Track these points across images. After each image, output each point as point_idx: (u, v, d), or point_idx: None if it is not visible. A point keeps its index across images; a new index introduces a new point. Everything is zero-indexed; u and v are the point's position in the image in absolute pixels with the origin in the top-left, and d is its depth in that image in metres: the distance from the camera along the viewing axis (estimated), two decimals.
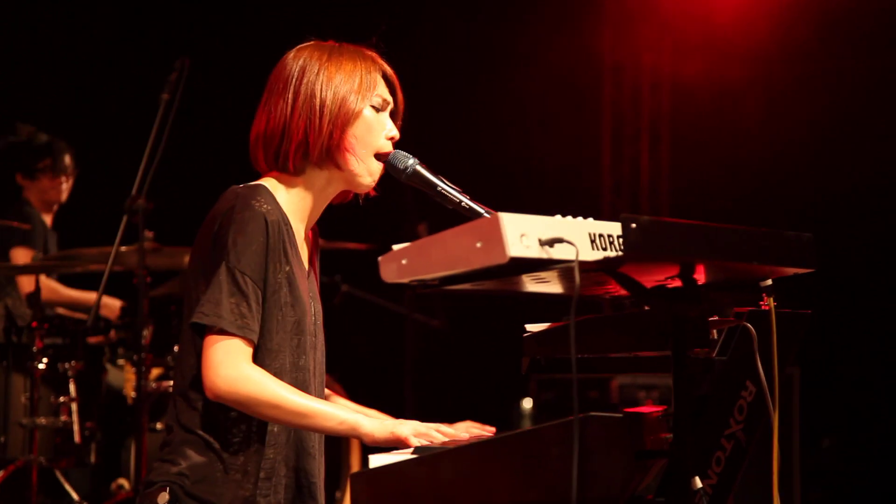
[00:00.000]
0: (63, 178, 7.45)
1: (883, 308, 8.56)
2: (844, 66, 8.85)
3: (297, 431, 3.27)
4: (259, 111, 3.34)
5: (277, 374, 3.19)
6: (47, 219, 7.47)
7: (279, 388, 3.12)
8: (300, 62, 3.30)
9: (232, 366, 3.11)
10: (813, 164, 8.83)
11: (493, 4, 9.38)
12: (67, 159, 7.45)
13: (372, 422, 3.13)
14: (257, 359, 3.18)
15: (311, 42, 3.37)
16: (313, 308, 3.34)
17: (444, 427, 3.14)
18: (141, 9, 9.09)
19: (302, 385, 3.25)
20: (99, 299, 6.37)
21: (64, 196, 7.52)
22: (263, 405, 3.12)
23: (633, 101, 9.74)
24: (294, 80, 3.28)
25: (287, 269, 3.22)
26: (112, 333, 6.77)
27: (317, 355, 3.35)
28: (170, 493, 3.18)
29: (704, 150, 9.24)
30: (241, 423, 3.20)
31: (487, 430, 3.28)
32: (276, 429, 3.22)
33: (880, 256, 8.69)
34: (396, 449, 3.06)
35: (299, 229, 3.33)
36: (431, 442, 3.06)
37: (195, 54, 6.28)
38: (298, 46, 3.36)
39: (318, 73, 3.27)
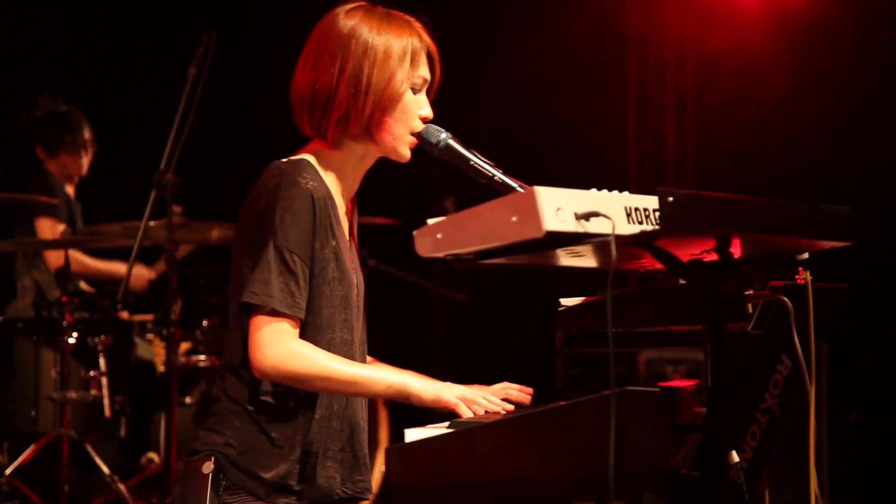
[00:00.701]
0: (83, 153, 7.47)
1: None
2: (872, 36, 8.79)
3: (349, 405, 3.30)
4: (301, 68, 3.32)
5: (327, 348, 3.21)
6: (70, 190, 7.49)
7: (326, 360, 3.15)
8: (350, 28, 3.27)
9: (278, 345, 3.13)
10: (840, 136, 8.77)
11: None
12: (87, 133, 7.46)
13: (419, 382, 3.17)
14: (306, 335, 3.20)
15: (362, 4, 3.35)
16: (357, 280, 3.36)
17: (489, 394, 3.16)
18: None
19: (349, 357, 3.26)
20: (128, 275, 6.39)
21: (84, 169, 7.53)
22: (313, 378, 3.15)
23: (658, 73, 9.69)
24: (342, 49, 3.26)
25: (333, 243, 3.23)
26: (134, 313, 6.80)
27: (360, 328, 3.38)
28: (214, 462, 3.20)
29: (730, 122, 9.19)
30: (289, 398, 3.21)
31: (526, 391, 3.29)
32: (324, 402, 3.24)
33: None
34: (432, 423, 3.07)
35: (341, 202, 3.34)
36: (475, 412, 3.08)
37: (221, 28, 6.27)
38: (348, 7, 3.33)
39: (366, 48, 3.25)
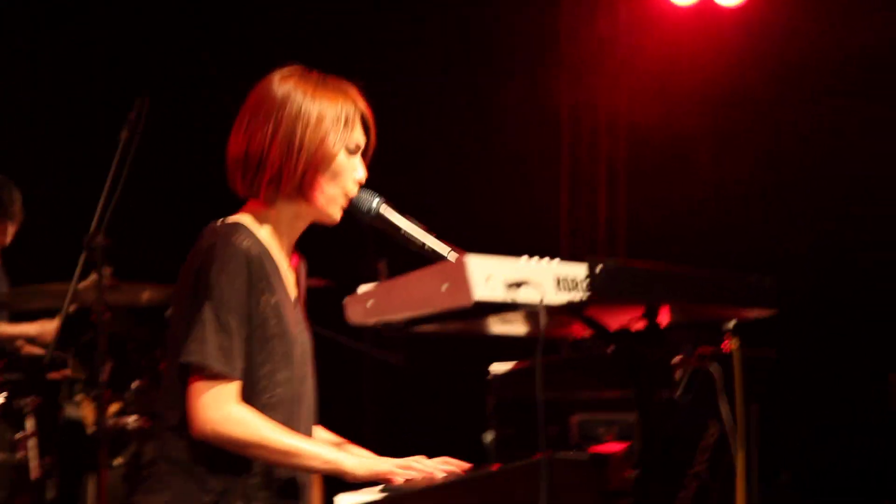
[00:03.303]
0: (9, 224, 7.37)
1: (839, 345, 8.64)
2: (796, 109, 8.94)
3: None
4: (237, 130, 3.33)
5: (269, 407, 3.20)
6: None
7: (263, 429, 3.14)
8: (284, 92, 3.29)
9: (217, 407, 3.12)
10: (764, 207, 8.92)
11: (449, 49, 9.41)
12: (17, 205, 7.36)
13: (354, 460, 3.17)
14: (247, 394, 3.19)
15: (297, 69, 3.36)
16: (301, 338, 3.35)
17: (422, 461, 3.17)
18: (100, 46, 9.07)
19: (293, 417, 3.26)
20: (57, 335, 6.32)
21: (8, 240, 7.44)
22: (249, 446, 3.14)
23: (591, 144, 9.77)
24: (276, 110, 3.28)
25: (273, 300, 3.23)
26: (68, 369, 6.71)
27: (306, 385, 3.36)
28: None
29: (661, 192, 9.29)
30: (230, 457, 3.18)
31: (462, 466, 3.26)
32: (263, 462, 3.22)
33: (831, 293, 8.78)
34: (375, 485, 3.07)
35: (281, 258, 3.34)
36: (412, 476, 3.09)
37: (154, 92, 6.27)
38: (284, 72, 3.35)
39: (300, 111, 3.27)
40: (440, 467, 3.21)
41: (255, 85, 3.37)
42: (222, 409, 3.12)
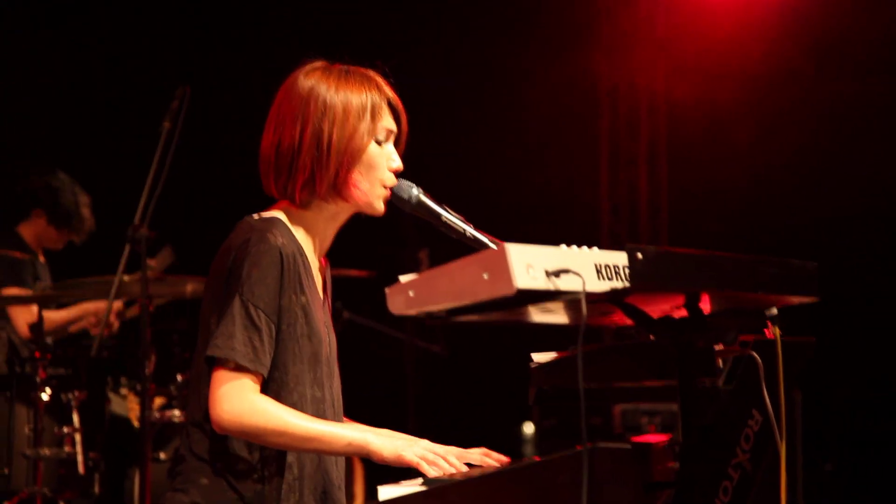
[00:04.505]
0: (71, 234, 7.45)
1: (880, 331, 8.58)
2: (836, 88, 8.89)
3: (322, 462, 3.27)
4: (267, 131, 3.33)
5: (296, 406, 3.19)
6: (39, 253, 7.46)
7: (284, 415, 3.13)
8: (308, 89, 3.29)
9: (237, 399, 3.12)
10: (809, 185, 8.86)
11: (487, 31, 9.40)
12: (79, 219, 7.43)
13: (381, 439, 3.13)
14: (273, 392, 3.18)
15: (320, 64, 3.35)
16: (329, 338, 3.35)
17: (453, 455, 3.14)
18: (142, 37, 9.11)
19: (320, 416, 3.24)
20: (102, 329, 6.36)
21: (61, 246, 7.52)
22: (269, 434, 3.12)
23: (630, 124, 9.76)
24: (302, 110, 3.27)
25: (304, 300, 3.22)
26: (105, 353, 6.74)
27: (333, 385, 3.35)
28: None
29: (701, 171, 9.26)
30: (257, 453, 3.19)
31: (501, 460, 3.24)
32: (296, 459, 3.22)
33: (872, 279, 8.72)
34: (407, 475, 3.06)
35: (313, 259, 3.34)
36: (438, 472, 3.06)
37: (196, 83, 6.30)
38: (307, 68, 3.34)
39: (325, 108, 3.26)
40: (477, 461, 3.17)
41: (282, 83, 3.36)
42: (243, 399, 3.12)
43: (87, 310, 7.24)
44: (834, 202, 8.72)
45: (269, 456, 3.20)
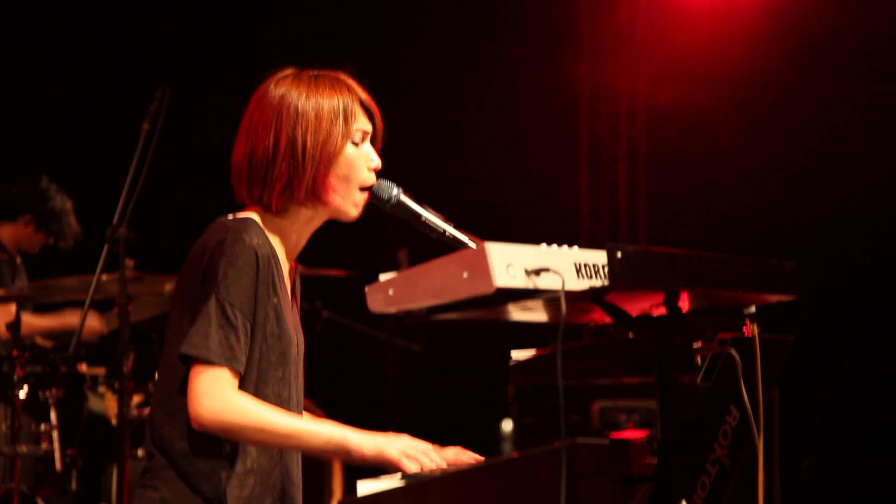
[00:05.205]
0: (49, 239, 7.44)
1: (858, 329, 8.63)
2: (816, 91, 8.93)
3: (282, 460, 3.29)
4: (239, 141, 3.33)
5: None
6: (16, 255, 7.45)
7: (264, 412, 3.14)
8: (279, 97, 3.28)
9: (216, 396, 3.12)
10: (785, 189, 8.91)
11: (469, 35, 9.42)
12: (59, 224, 7.42)
13: (360, 436, 3.14)
14: (243, 389, 3.18)
15: (290, 72, 3.35)
16: (297, 339, 3.35)
17: (433, 451, 3.14)
18: (122, 38, 9.10)
19: None
20: (81, 328, 6.35)
21: (37, 250, 7.51)
22: (248, 430, 3.13)
23: (611, 128, 9.79)
24: (274, 119, 3.27)
25: (275, 301, 3.23)
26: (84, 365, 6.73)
27: (298, 385, 3.36)
28: None
29: (681, 175, 9.29)
30: (218, 451, 3.19)
31: (476, 458, 3.24)
32: (255, 456, 3.22)
33: (852, 279, 8.77)
34: (384, 473, 3.07)
35: (285, 262, 3.35)
36: (418, 468, 3.07)
37: (176, 84, 6.29)
38: (277, 77, 3.34)
39: (297, 115, 3.26)
40: (452, 459, 3.17)
41: (253, 92, 3.36)
42: (223, 395, 3.13)
43: (67, 324, 7.23)
44: (814, 205, 8.77)
45: (229, 455, 3.20)
